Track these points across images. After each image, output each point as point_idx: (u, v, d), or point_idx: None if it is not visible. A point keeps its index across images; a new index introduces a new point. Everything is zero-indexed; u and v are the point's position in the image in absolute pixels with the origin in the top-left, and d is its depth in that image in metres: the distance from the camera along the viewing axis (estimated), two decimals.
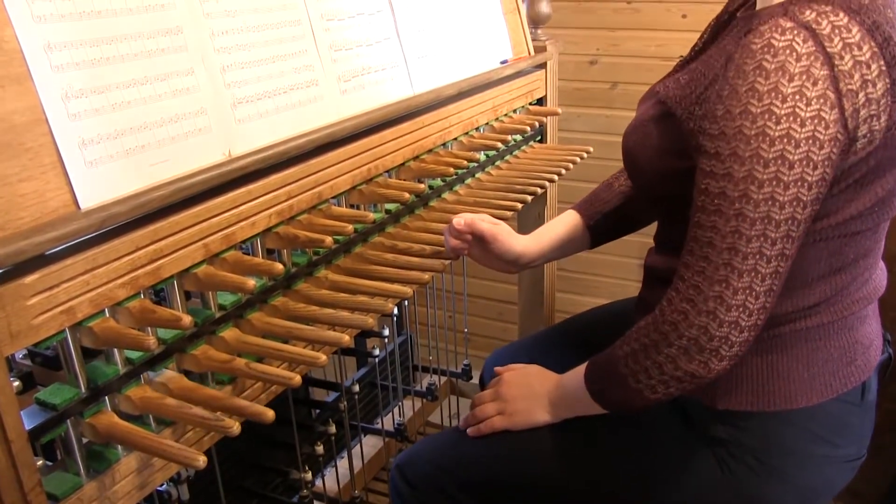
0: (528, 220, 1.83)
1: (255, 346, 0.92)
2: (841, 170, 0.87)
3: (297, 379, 0.86)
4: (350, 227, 1.05)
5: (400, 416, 1.95)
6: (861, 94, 0.83)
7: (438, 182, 1.35)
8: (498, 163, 1.55)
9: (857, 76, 0.82)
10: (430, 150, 1.34)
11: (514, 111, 1.63)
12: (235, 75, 0.99)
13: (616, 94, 2.29)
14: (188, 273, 0.90)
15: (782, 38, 0.82)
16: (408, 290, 1.04)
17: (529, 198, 1.38)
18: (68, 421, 0.79)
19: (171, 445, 0.79)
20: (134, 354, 0.84)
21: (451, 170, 1.29)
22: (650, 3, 2.17)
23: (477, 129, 1.49)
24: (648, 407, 0.97)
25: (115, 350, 0.83)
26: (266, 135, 1.02)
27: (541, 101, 1.75)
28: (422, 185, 1.23)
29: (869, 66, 0.83)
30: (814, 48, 0.82)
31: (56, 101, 0.78)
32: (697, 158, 0.91)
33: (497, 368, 1.24)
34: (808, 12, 0.84)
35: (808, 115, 0.81)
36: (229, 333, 0.94)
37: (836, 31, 0.82)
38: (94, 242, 0.79)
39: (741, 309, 0.87)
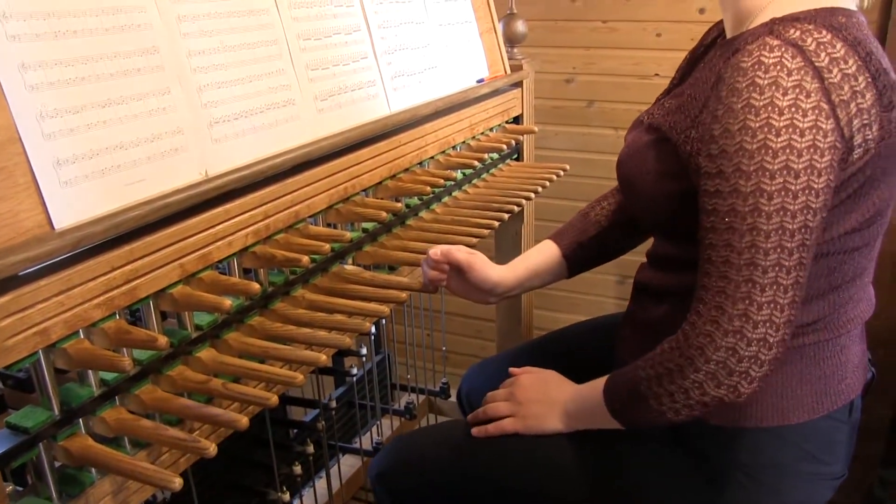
0: (505, 238, 1.84)
1: (231, 367, 0.92)
2: (840, 180, 0.89)
3: (274, 399, 0.86)
4: (327, 247, 1.05)
5: (378, 435, 1.95)
6: (852, 105, 0.86)
7: (415, 201, 1.36)
8: (475, 181, 1.55)
9: (846, 87, 0.85)
10: (407, 169, 1.34)
11: (491, 129, 1.64)
12: (212, 95, 0.99)
13: (592, 111, 2.31)
14: (164, 293, 0.90)
15: (771, 55, 0.85)
16: (385, 308, 1.05)
17: (507, 216, 1.39)
18: (40, 444, 0.78)
19: (146, 467, 0.79)
20: (109, 376, 0.84)
21: (428, 188, 1.30)
22: (626, 22, 2.20)
23: (454, 147, 1.49)
24: (669, 425, 0.97)
25: (90, 371, 0.82)
26: (243, 154, 1.02)
27: (517, 120, 1.76)
28: (399, 204, 1.24)
29: (856, 79, 0.86)
30: (802, 63, 0.84)
31: (30, 121, 0.78)
32: (697, 181, 0.92)
33: (512, 370, 1.23)
34: (792, 31, 0.87)
35: (805, 125, 0.84)
36: (206, 354, 0.93)
37: (822, 46, 0.86)
38: (68, 263, 0.78)
39: (768, 324, 0.87)
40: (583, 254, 1.30)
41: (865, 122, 0.87)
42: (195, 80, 0.97)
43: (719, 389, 0.90)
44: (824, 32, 0.86)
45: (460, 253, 1.19)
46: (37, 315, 0.75)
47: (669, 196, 1.00)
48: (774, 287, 0.86)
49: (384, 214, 1.18)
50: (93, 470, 0.82)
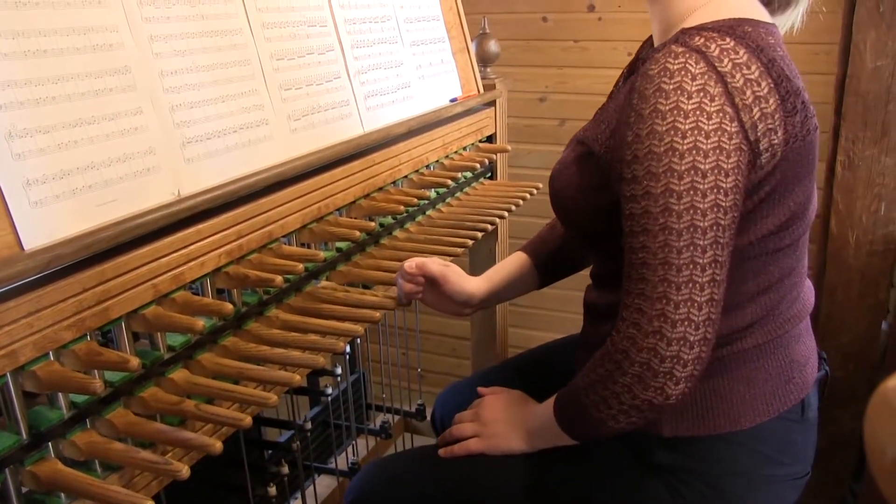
0: (479, 256, 1.84)
1: (205, 388, 0.91)
2: (752, 184, 0.92)
3: (248, 420, 0.85)
4: (300, 266, 1.05)
5: (354, 455, 1.93)
6: (756, 109, 0.88)
7: (389, 220, 1.36)
8: (448, 200, 1.56)
9: (748, 92, 0.88)
10: (380, 189, 1.35)
11: (465, 148, 1.64)
12: (184, 115, 0.99)
13: (565, 130, 2.33)
14: (136, 314, 0.89)
15: (676, 62, 0.88)
16: (359, 328, 1.04)
17: (480, 234, 1.39)
18: (7, 470, 0.76)
19: (117, 491, 0.77)
20: (79, 398, 0.83)
21: (402, 207, 1.30)
22: (597, 41, 2.22)
23: (427, 166, 1.50)
24: (612, 435, 0.98)
25: (60, 394, 0.81)
26: (216, 174, 1.01)
27: (491, 139, 1.77)
28: (372, 224, 1.24)
29: (759, 84, 0.89)
30: (706, 68, 0.87)
31: None
32: (619, 188, 0.94)
33: (480, 389, 1.24)
34: (697, 38, 0.90)
35: (710, 127, 0.86)
36: (179, 375, 0.92)
37: (725, 52, 0.89)
38: (38, 284, 0.77)
39: (686, 323, 0.88)
40: (552, 263, 1.32)
41: (770, 126, 0.89)
42: (167, 100, 0.97)
43: (647, 392, 0.91)
44: (728, 39, 0.89)
45: (435, 265, 1.21)
46: (4, 337, 0.74)
47: (595, 209, 1.02)
48: (690, 285, 0.87)
49: (358, 234, 1.18)
50: (62, 495, 0.81)
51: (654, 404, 0.92)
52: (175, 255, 0.92)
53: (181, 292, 0.94)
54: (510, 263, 1.33)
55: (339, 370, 1.71)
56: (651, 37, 1.13)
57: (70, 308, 0.80)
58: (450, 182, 1.48)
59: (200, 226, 0.96)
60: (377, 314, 1.08)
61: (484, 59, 1.79)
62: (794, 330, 1.06)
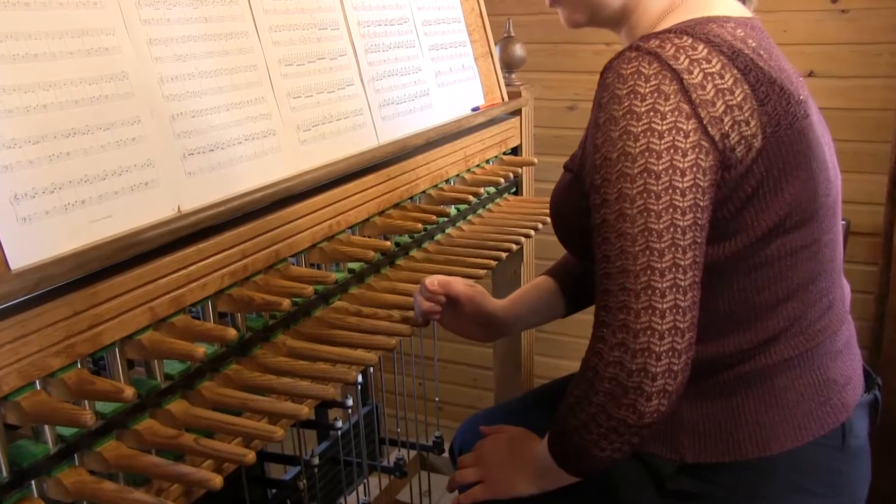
0: (503, 278, 1.83)
1: (205, 420, 0.91)
2: (734, 179, 0.92)
3: (251, 456, 0.85)
4: (310, 289, 1.04)
5: (365, 494, 1.92)
6: (719, 103, 0.90)
7: (406, 239, 1.36)
8: (470, 217, 1.56)
9: (709, 87, 0.90)
10: (396, 205, 1.34)
11: (487, 161, 1.64)
12: (186, 124, 0.99)
13: None
14: (132, 339, 0.89)
15: (629, 66, 0.91)
16: (373, 356, 1.04)
17: (504, 254, 1.38)
18: None
19: None
20: (67, 431, 0.82)
21: (420, 225, 1.30)
22: None
23: (447, 181, 1.50)
24: (603, 466, 0.97)
25: (46, 426, 0.80)
26: (219, 188, 1.01)
27: (515, 151, 1.77)
28: (388, 243, 1.23)
29: (722, 77, 0.91)
30: (659, 68, 0.90)
31: None
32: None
33: (483, 428, 1.24)
34: (652, 41, 0.93)
35: (664, 127, 0.89)
36: (177, 406, 0.92)
37: (682, 50, 0.91)
38: (25, 306, 0.77)
39: (649, 332, 0.88)
40: (579, 288, 1.31)
41: (739, 118, 0.91)
42: (168, 109, 0.97)
43: (620, 411, 0.91)
44: (685, 38, 0.92)
45: (459, 285, 1.21)
46: None
47: (583, 233, 1.02)
48: (649, 292, 0.88)
49: (372, 254, 1.18)
50: None
51: (630, 424, 0.92)
52: (174, 275, 0.92)
53: (180, 316, 0.94)
54: (534, 287, 1.33)
55: (349, 402, 1.70)
56: None
57: (59, 333, 0.80)
58: (471, 198, 1.47)
59: (202, 244, 0.96)
60: (393, 341, 1.07)
61: (508, 65, 1.79)
62: (831, 344, 1.04)
